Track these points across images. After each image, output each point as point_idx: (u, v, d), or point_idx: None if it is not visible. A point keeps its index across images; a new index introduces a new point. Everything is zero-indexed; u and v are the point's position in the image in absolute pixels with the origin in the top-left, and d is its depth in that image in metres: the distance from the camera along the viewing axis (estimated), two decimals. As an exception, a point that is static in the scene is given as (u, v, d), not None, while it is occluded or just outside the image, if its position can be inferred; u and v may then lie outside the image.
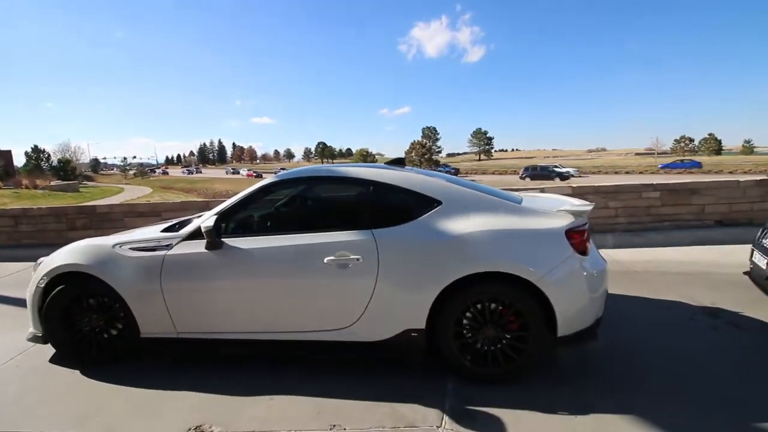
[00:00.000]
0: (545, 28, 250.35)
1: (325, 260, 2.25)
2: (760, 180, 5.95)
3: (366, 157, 66.77)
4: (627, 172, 43.73)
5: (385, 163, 3.00)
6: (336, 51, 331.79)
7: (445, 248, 2.22)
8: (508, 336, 2.25)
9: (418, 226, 2.29)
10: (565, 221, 2.27)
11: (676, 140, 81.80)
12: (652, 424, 1.92)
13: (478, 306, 2.24)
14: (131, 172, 79.78)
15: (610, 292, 2.56)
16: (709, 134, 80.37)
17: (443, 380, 2.33)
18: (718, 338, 2.83)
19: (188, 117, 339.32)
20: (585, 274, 2.22)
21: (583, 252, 2.25)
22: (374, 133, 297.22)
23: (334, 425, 2.00)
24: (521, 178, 35.92)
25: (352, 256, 2.24)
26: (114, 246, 2.54)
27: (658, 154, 70.52)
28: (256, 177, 53.55)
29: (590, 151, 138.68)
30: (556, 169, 35.47)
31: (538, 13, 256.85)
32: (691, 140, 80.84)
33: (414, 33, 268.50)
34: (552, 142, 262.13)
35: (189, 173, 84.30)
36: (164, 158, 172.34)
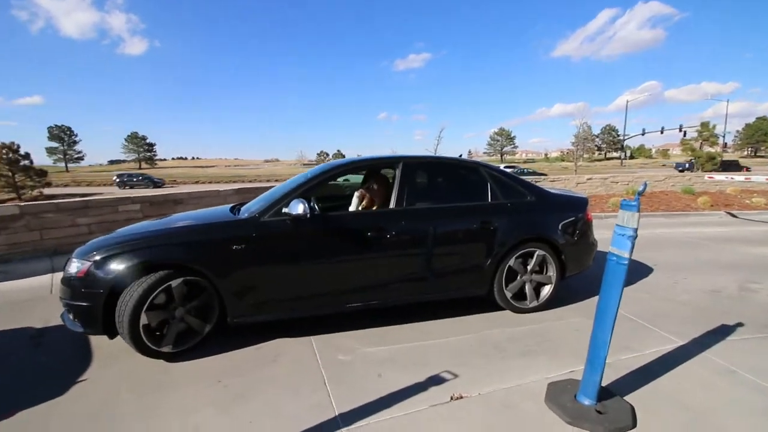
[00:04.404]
0: (218, 35, 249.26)
1: None
2: (238, 189, 7.23)
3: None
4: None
5: None
6: None
7: None
8: None
9: None
10: None
11: (318, 154, 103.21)
12: None
13: None
14: None
15: None
16: (338, 150, 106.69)
17: None
18: None
19: None
20: None
21: None
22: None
23: None
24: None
25: None
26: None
27: (303, 164, 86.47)
28: None
29: (266, 161, 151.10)
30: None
31: (208, 18, 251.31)
32: (327, 154, 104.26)
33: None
34: (233, 151, 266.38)
35: None
36: None
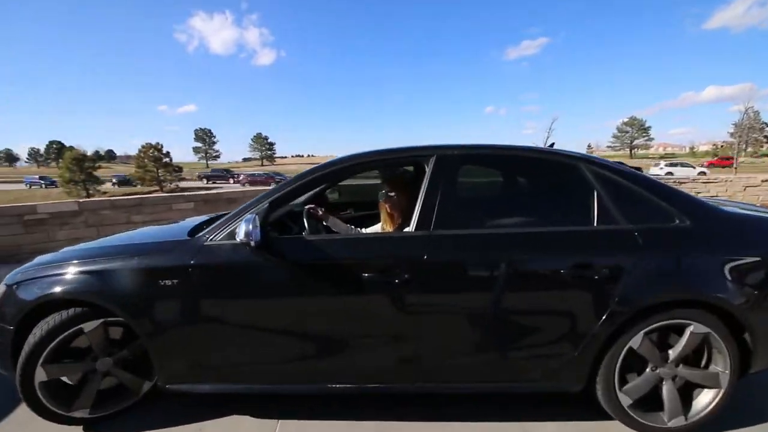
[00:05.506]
0: (335, 38, 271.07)
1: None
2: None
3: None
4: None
5: None
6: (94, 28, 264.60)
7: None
8: None
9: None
10: None
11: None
12: None
13: None
14: None
15: None
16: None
17: None
18: None
19: None
20: None
21: None
22: (153, 133, 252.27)
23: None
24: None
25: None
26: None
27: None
28: None
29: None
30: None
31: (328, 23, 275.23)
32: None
33: (194, 23, 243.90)
34: (341, 148, 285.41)
35: None
36: None
